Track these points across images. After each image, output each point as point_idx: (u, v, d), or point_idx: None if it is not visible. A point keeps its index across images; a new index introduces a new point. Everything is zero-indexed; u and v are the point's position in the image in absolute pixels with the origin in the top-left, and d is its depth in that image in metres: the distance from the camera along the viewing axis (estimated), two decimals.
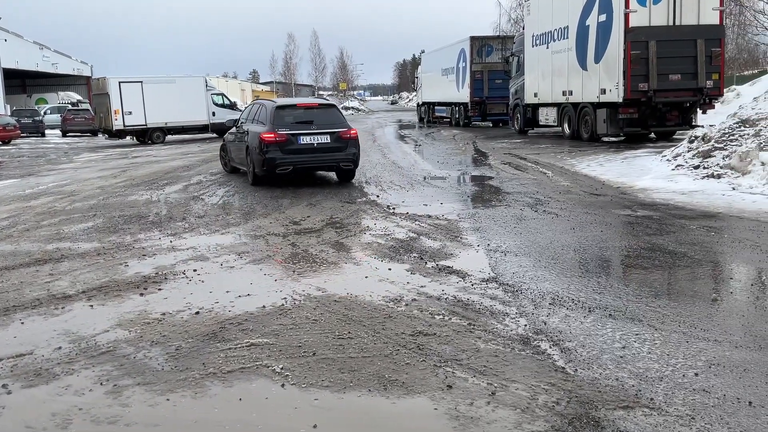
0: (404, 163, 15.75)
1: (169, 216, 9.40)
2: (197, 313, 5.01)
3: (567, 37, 19.44)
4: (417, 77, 41.78)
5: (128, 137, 28.80)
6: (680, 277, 5.73)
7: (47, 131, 39.11)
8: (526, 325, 4.52)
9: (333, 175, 12.91)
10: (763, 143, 10.42)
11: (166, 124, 28.30)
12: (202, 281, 5.92)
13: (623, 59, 16.38)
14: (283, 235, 7.85)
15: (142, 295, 5.55)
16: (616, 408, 3.33)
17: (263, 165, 11.59)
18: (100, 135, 32.03)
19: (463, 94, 30.94)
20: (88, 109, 39.23)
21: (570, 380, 3.65)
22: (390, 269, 6.10)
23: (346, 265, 6.39)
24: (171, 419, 3.43)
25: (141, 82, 27.77)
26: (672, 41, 16.24)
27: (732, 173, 10.30)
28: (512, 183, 11.68)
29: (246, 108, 15.06)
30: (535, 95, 22.13)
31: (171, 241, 7.65)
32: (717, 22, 16.61)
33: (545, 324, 4.53)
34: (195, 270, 6.29)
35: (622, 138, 18.33)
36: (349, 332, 4.49)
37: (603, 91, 17.51)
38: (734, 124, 11.55)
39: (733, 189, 9.64)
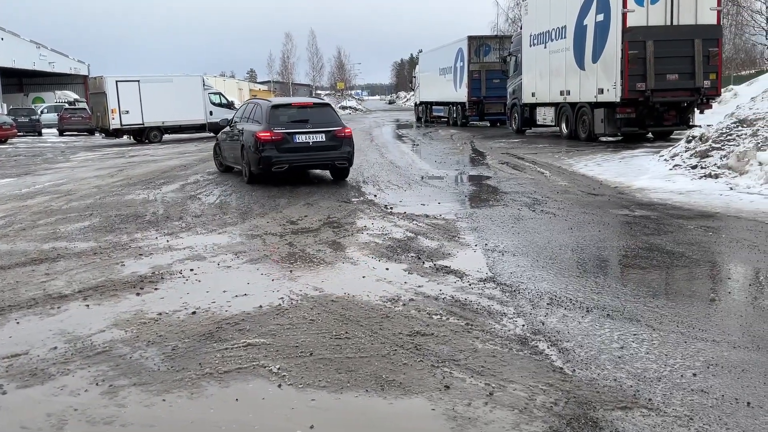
0: (402, 163, 15.74)
1: (165, 215, 9.38)
2: (194, 312, 4.99)
3: (564, 37, 19.45)
4: (415, 77, 41.76)
5: (125, 136, 28.74)
6: (678, 277, 5.73)
7: (44, 130, 39.01)
8: (523, 325, 4.51)
9: (330, 174, 12.90)
10: (761, 143, 10.42)
11: (163, 123, 28.25)
12: (199, 281, 5.90)
13: (621, 59, 16.39)
14: (280, 234, 7.83)
15: (138, 294, 5.53)
16: (614, 408, 3.31)
17: (259, 163, 11.63)
18: (97, 134, 31.96)
19: (461, 94, 30.93)
20: (85, 108, 39.07)
21: (568, 381, 3.64)
22: (387, 269, 6.09)
23: (343, 265, 6.37)
24: (167, 420, 3.41)
25: (138, 81, 27.71)
26: (669, 41, 16.25)
27: (729, 173, 10.31)
28: (510, 183, 11.67)
29: (240, 107, 15.07)
30: (533, 95, 22.14)
31: (168, 241, 7.63)
32: (714, 22, 16.62)
33: (543, 324, 4.52)
34: (192, 270, 6.27)
35: (620, 138, 18.33)
36: (347, 332, 4.47)
37: (600, 91, 17.51)
38: (732, 124, 11.55)
39: (731, 189, 9.64)
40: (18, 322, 4.94)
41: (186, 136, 29.85)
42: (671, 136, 18.22)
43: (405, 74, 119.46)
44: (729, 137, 11.20)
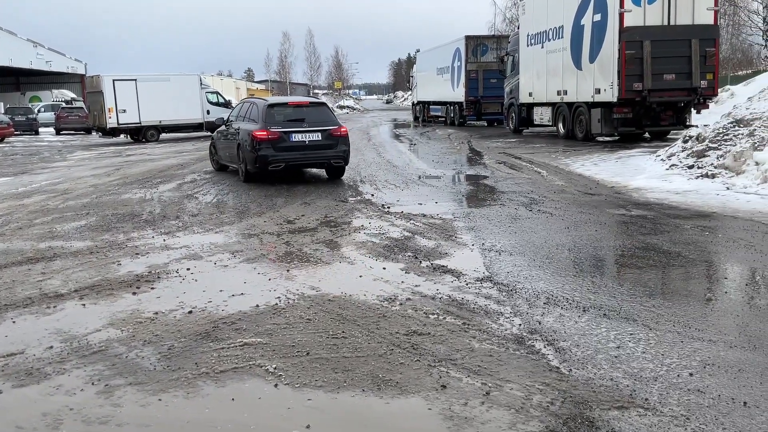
0: (399, 162, 15.74)
1: (162, 214, 9.37)
2: (190, 312, 4.98)
3: (562, 37, 19.45)
4: (412, 76, 41.77)
5: (122, 135, 28.71)
6: (675, 277, 5.73)
7: (41, 129, 38.97)
8: (520, 325, 4.51)
9: (326, 173, 12.90)
10: (758, 143, 10.43)
11: (160, 122, 28.23)
12: (196, 280, 5.89)
13: (618, 59, 16.40)
14: (277, 234, 7.82)
15: (134, 294, 5.52)
16: (611, 408, 3.31)
17: (256, 162, 11.67)
18: (93, 133, 31.89)
19: (458, 94, 30.94)
20: (81, 107, 39.06)
21: (564, 380, 3.64)
22: (384, 268, 6.08)
23: (340, 265, 6.37)
24: (163, 419, 3.40)
25: (135, 80, 27.68)
26: (666, 41, 16.27)
27: (726, 173, 10.32)
28: (507, 182, 11.68)
29: (236, 106, 15.09)
30: (530, 95, 22.14)
31: (164, 240, 7.61)
32: (711, 22, 16.65)
33: (540, 323, 4.52)
34: (188, 269, 6.26)
35: (617, 138, 18.35)
36: (343, 332, 4.47)
37: (597, 91, 17.52)
38: (728, 123, 11.57)
39: (728, 189, 9.66)
40: (14, 322, 4.92)
41: (183, 135, 29.82)
42: (668, 136, 18.23)
43: (402, 74, 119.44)
44: (726, 137, 11.21)
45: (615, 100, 16.74)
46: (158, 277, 6.00)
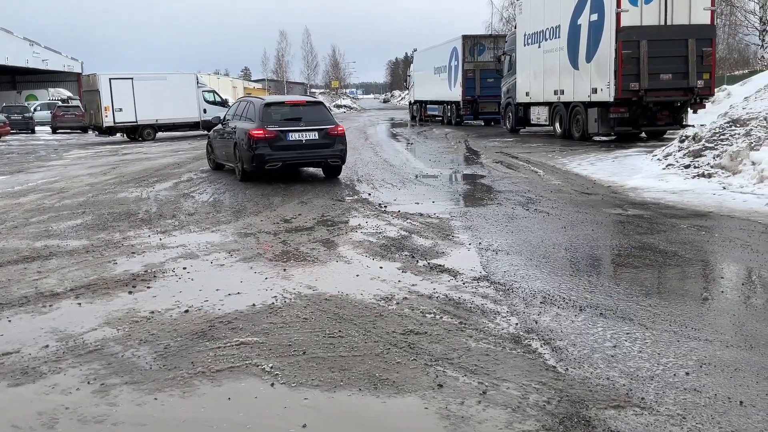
0: (396, 162, 15.74)
1: (158, 213, 9.35)
2: (186, 311, 4.97)
3: (559, 37, 19.46)
4: (409, 75, 41.77)
5: (118, 134, 28.66)
6: (671, 276, 5.74)
7: (37, 128, 38.87)
8: (517, 324, 4.51)
9: (322, 172, 12.90)
10: (754, 143, 10.45)
11: (156, 121, 28.18)
12: (192, 279, 5.88)
13: (614, 58, 16.41)
14: (274, 233, 7.81)
15: (130, 293, 5.50)
16: (607, 407, 3.31)
17: (252, 161, 11.67)
18: (90, 132, 31.83)
19: (455, 93, 30.94)
20: (78, 106, 39.00)
21: (561, 379, 3.64)
22: (381, 267, 6.08)
23: (337, 264, 6.36)
24: (159, 419, 3.39)
25: (131, 78, 27.63)
26: (663, 41, 16.28)
27: (722, 173, 10.34)
28: (504, 182, 11.68)
29: (232, 105, 15.08)
30: (527, 94, 22.15)
31: (160, 239, 7.60)
32: (708, 21, 16.66)
33: (536, 323, 4.52)
34: (184, 268, 6.25)
35: (613, 137, 18.36)
36: (340, 331, 4.46)
37: (594, 91, 17.53)
38: (725, 123, 11.58)
39: (724, 188, 9.67)
40: (9, 321, 4.91)
41: (179, 134, 29.78)
42: (664, 136, 18.25)
43: (400, 73, 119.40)
44: (722, 137, 11.23)
45: (612, 99, 16.75)
46: (154, 276, 5.98)
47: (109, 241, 7.53)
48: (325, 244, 7.19)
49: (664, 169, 11.57)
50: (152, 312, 4.98)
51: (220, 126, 13.98)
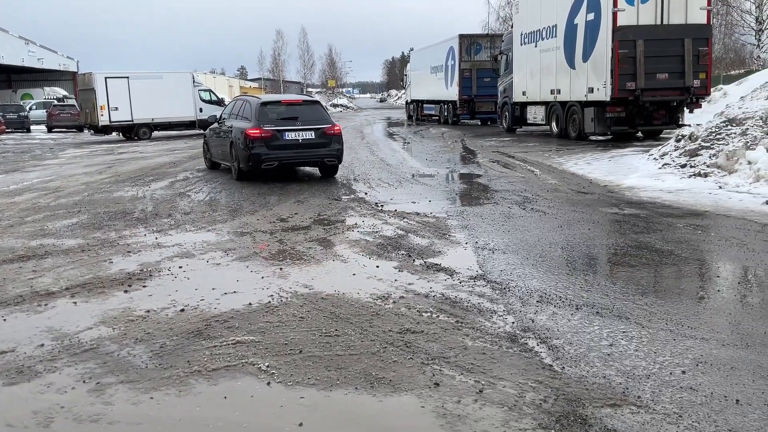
0: (393, 161, 15.73)
1: (154, 212, 9.33)
2: (182, 310, 4.96)
3: (555, 36, 19.48)
4: (406, 75, 41.74)
5: (114, 133, 28.57)
6: (667, 275, 5.74)
7: (33, 127, 38.77)
8: (513, 323, 4.51)
9: (319, 171, 12.89)
10: (750, 142, 10.47)
11: (152, 120, 28.10)
12: (188, 278, 5.87)
13: (611, 58, 16.43)
14: (270, 232, 7.80)
15: (126, 292, 5.49)
16: (604, 406, 3.32)
17: (249, 160, 11.65)
18: (85, 131, 31.71)
19: (452, 92, 30.94)
20: (73, 105, 38.86)
21: (557, 378, 3.64)
22: (378, 266, 6.07)
23: (333, 263, 6.35)
24: (154, 418, 3.38)
25: (127, 77, 27.55)
26: (659, 40, 16.30)
27: (719, 172, 10.35)
28: (500, 181, 11.68)
29: (228, 104, 15.06)
30: (524, 94, 22.17)
31: (156, 238, 7.58)
32: (704, 21, 16.69)
33: (533, 322, 4.52)
34: (180, 267, 6.23)
35: (610, 137, 18.39)
36: (336, 330, 4.46)
37: (591, 90, 17.55)
38: (721, 123, 11.60)
39: (720, 188, 9.68)
40: (5, 320, 4.89)
41: (176, 133, 29.72)
42: (661, 135, 18.27)
43: (396, 72, 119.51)
44: (718, 136, 11.25)
45: (608, 99, 16.77)
46: (150, 275, 5.97)
47: (104, 240, 7.51)
48: (322, 243, 7.18)
49: (660, 168, 11.58)
50: (148, 311, 4.97)
51: (216, 125, 13.95)
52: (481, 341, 4.19)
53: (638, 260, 6.10)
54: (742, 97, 13.29)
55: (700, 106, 17.65)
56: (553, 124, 20.37)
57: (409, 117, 39.83)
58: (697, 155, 11.21)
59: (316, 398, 3.51)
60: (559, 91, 19.49)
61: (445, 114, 32.46)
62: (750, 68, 36.63)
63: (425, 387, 3.58)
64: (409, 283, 5.50)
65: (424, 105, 36.60)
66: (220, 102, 29.65)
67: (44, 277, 6.02)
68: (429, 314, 4.72)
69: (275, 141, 11.58)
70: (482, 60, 29.83)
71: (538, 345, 4.11)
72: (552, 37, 19.71)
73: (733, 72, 37.29)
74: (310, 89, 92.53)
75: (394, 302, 5.02)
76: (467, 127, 29.03)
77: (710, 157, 10.87)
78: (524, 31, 21.86)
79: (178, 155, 19.27)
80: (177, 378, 3.78)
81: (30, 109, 42.09)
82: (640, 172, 11.72)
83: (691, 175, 10.67)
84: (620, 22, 16.23)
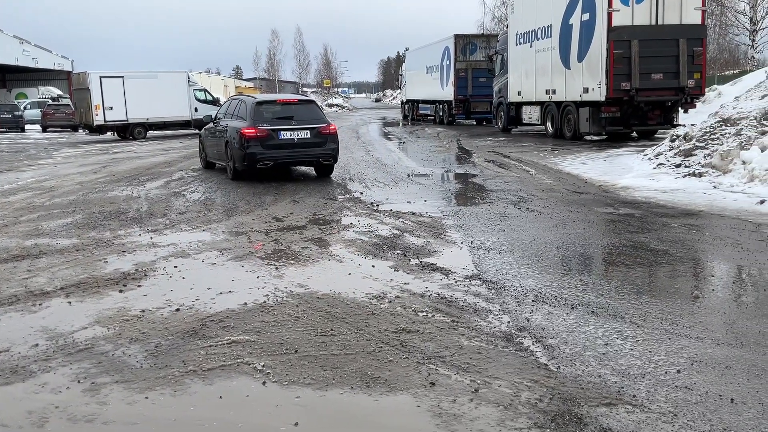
0: (388, 161, 15.73)
1: (149, 212, 9.31)
2: (177, 310, 4.95)
3: (550, 36, 19.50)
4: (401, 75, 41.73)
5: (109, 133, 28.49)
6: (662, 275, 5.76)
7: (27, 126, 38.62)
8: (509, 322, 4.51)
9: (314, 171, 12.88)
10: (744, 142, 10.50)
11: (147, 119, 28.03)
12: (183, 278, 5.86)
13: (606, 58, 16.46)
14: (265, 231, 7.79)
15: (121, 291, 5.47)
16: (599, 405, 3.32)
17: (244, 160, 11.64)
18: (80, 130, 31.61)
19: (447, 92, 30.95)
20: (68, 104, 38.73)
21: (553, 377, 3.64)
22: (373, 266, 6.07)
23: (329, 262, 6.35)
24: (149, 417, 3.37)
25: (122, 77, 27.48)
26: (654, 40, 16.34)
27: (713, 172, 10.38)
28: (495, 181, 11.69)
29: (224, 104, 15.04)
30: (519, 94, 22.19)
31: (151, 238, 7.56)
32: (699, 22, 16.73)
33: (528, 321, 4.52)
34: (175, 266, 6.22)
35: (605, 137, 18.42)
36: (332, 329, 4.45)
37: (586, 90, 17.57)
38: (715, 123, 11.63)
39: (714, 187, 9.71)
40: None
41: (170, 133, 29.66)
42: (655, 135, 18.32)
43: (392, 72, 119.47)
44: (713, 136, 11.28)
45: (603, 99, 16.79)
46: (145, 275, 5.96)
47: (99, 240, 7.49)
48: (317, 242, 7.17)
49: (655, 168, 11.61)
50: (143, 311, 4.95)
51: (211, 124, 13.94)
52: (476, 341, 4.20)
53: (633, 260, 6.12)
54: (736, 98, 13.34)
55: (694, 106, 17.70)
56: (549, 124, 20.39)
57: (405, 117, 39.84)
58: (691, 155, 11.23)
59: (311, 398, 3.51)
60: (554, 91, 19.52)
61: (441, 114, 32.48)
62: (744, 68, 36.79)
63: (421, 386, 3.58)
64: (405, 283, 5.50)
65: (420, 105, 36.63)
66: (215, 102, 29.60)
67: (39, 276, 6.00)
68: (424, 314, 4.73)
69: (271, 140, 11.58)
70: (478, 60, 29.84)
71: (533, 344, 4.12)
72: (547, 37, 19.74)
73: (727, 72, 37.45)
74: (305, 89, 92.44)
75: (390, 302, 5.02)
76: (463, 127, 29.05)
77: (705, 157, 10.90)
78: (519, 31, 21.88)
79: (173, 155, 19.23)
80: (172, 378, 3.78)
81: (24, 108, 41.93)
82: (634, 171, 11.75)
83: (685, 175, 10.69)
84: (615, 23, 16.26)
